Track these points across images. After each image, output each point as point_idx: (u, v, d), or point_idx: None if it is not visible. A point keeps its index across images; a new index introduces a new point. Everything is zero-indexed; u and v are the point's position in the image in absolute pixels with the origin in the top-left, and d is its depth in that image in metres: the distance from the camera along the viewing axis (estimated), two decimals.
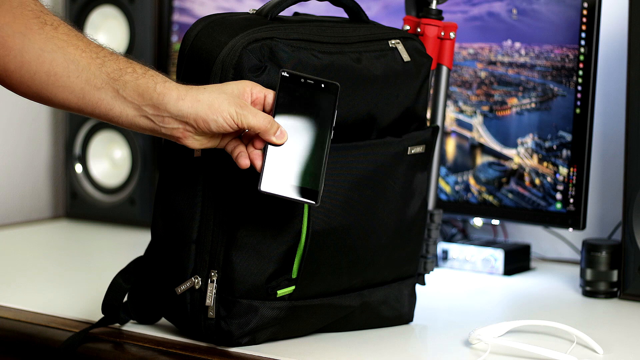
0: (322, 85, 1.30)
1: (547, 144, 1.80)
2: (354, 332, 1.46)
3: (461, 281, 1.81)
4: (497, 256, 1.85)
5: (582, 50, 1.76)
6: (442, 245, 1.89)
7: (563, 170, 1.79)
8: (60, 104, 1.26)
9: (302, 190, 1.27)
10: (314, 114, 1.30)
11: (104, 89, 1.25)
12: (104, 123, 2.24)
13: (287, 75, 1.30)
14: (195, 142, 1.28)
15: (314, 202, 1.27)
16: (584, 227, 1.78)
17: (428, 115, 1.54)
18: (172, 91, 1.25)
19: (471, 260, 1.87)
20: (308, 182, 1.28)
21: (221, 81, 1.31)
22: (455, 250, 1.88)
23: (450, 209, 1.90)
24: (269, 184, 1.27)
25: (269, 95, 1.29)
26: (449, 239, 1.95)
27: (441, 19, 1.57)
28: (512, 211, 1.85)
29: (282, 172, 1.28)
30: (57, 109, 1.28)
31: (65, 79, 1.24)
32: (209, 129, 1.26)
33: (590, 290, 1.71)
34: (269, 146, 1.27)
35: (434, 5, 1.56)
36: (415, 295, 1.51)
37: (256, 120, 1.26)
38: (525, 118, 1.83)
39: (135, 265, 1.44)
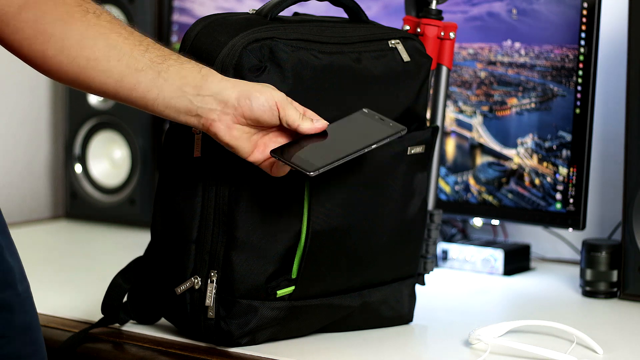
0: (390, 124, 1.32)
1: (547, 144, 1.80)
2: (354, 332, 1.46)
3: (461, 281, 1.81)
4: (497, 256, 1.85)
5: (582, 50, 1.76)
6: (442, 245, 1.89)
7: (563, 171, 1.79)
8: (97, 88, 1.24)
9: (306, 163, 1.26)
10: (363, 133, 1.31)
11: (144, 71, 1.24)
12: (104, 123, 2.24)
13: (366, 112, 1.34)
14: (224, 130, 1.27)
15: (310, 173, 1.25)
16: (583, 227, 1.78)
17: (428, 115, 1.54)
18: (216, 74, 1.27)
19: (471, 260, 1.87)
20: (316, 159, 1.26)
21: None
22: (455, 250, 1.88)
23: (450, 209, 1.90)
24: (280, 151, 1.27)
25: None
26: (449, 239, 1.95)
27: (441, 19, 1.57)
28: (512, 211, 1.85)
29: (299, 147, 1.28)
30: (92, 94, 1.27)
31: (106, 62, 1.22)
32: (249, 107, 1.25)
33: (590, 290, 1.71)
34: (302, 130, 1.28)
35: (433, 5, 1.56)
36: (415, 295, 1.51)
37: (294, 113, 1.27)
38: (525, 118, 1.83)
39: (135, 265, 1.44)
